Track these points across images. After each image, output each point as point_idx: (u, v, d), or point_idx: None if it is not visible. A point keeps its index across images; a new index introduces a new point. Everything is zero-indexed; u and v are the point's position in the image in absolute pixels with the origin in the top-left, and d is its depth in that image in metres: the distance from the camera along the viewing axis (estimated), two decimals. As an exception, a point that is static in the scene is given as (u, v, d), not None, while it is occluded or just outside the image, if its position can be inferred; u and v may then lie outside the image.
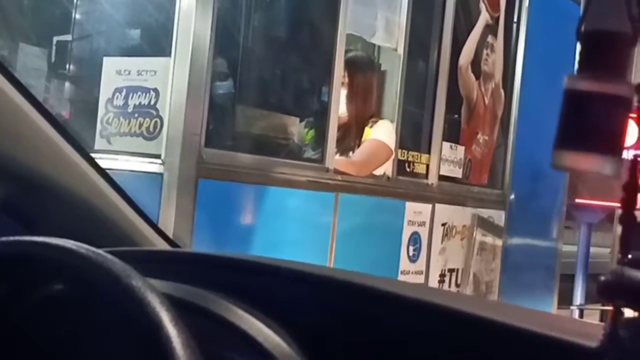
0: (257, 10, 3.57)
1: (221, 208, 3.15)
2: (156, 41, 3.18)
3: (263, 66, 3.66)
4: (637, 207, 0.51)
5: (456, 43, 4.35)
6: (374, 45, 4.18)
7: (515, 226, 4.98)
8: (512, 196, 4.90)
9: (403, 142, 4.02)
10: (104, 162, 2.76)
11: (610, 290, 0.52)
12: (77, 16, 3.51)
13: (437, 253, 4.27)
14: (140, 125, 3.02)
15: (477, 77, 4.55)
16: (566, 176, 5.52)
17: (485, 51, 4.60)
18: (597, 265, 7.37)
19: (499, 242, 4.84)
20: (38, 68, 3.50)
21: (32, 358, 0.84)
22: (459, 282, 4.49)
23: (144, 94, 3.03)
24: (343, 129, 3.77)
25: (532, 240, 5.38)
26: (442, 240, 4.30)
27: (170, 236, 1.28)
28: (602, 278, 0.52)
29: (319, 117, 3.69)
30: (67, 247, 0.76)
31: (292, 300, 0.86)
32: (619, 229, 0.52)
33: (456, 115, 4.47)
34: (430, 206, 4.19)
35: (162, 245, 1.23)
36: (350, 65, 3.83)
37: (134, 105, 3.05)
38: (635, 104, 0.51)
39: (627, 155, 0.56)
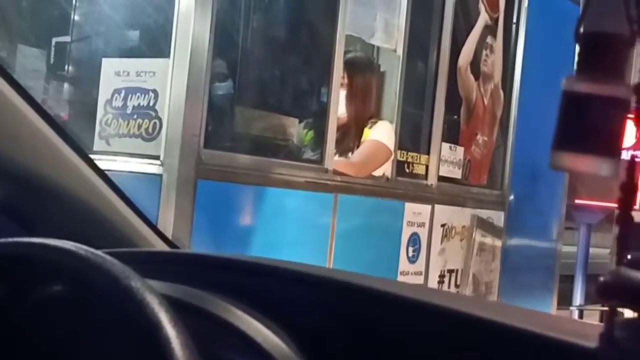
0: (256, 12, 3.57)
1: (220, 209, 3.16)
2: (155, 42, 3.18)
3: (262, 67, 3.66)
4: (635, 207, 0.51)
5: (455, 44, 4.35)
6: (373, 46, 4.18)
7: (514, 227, 4.98)
8: (512, 197, 4.91)
9: (402, 143, 4.02)
10: (103, 163, 2.75)
11: (609, 291, 0.53)
12: (76, 17, 3.51)
13: (437, 254, 4.27)
14: (139, 127, 3.02)
15: (477, 78, 4.56)
16: (566, 177, 5.52)
17: (484, 52, 4.60)
18: (596, 266, 7.37)
19: (498, 243, 4.84)
20: (37, 69, 3.51)
21: (31, 358, 0.84)
22: (458, 282, 4.49)
23: (143, 95, 3.03)
24: (342, 129, 3.77)
25: (532, 241, 5.38)
26: (442, 241, 4.30)
27: (169, 237, 1.28)
28: (601, 279, 0.53)
29: (318, 118, 3.69)
30: (66, 248, 0.76)
31: (291, 301, 0.87)
32: (616, 229, 0.52)
33: (455, 116, 4.47)
34: (429, 207, 4.19)
35: (161, 246, 1.23)
36: (350, 66, 3.83)
37: (133, 106, 3.05)
38: (633, 105, 0.51)
39: (627, 155, 0.56)
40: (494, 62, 4.69)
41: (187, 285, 0.87)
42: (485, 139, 4.69)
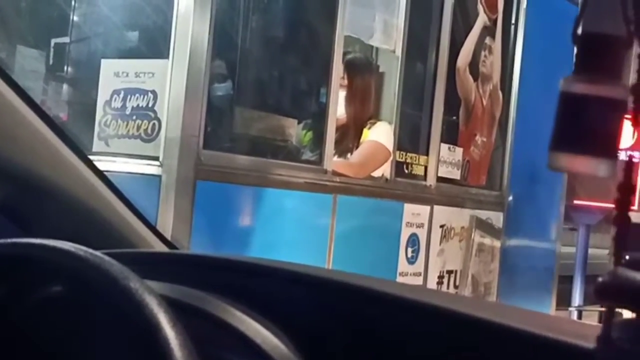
0: (255, 13, 3.58)
1: (219, 210, 3.16)
2: (154, 43, 3.18)
3: (261, 68, 3.67)
4: (632, 208, 0.51)
5: (454, 45, 4.35)
6: (372, 47, 4.18)
7: (513, 227, 4.98)
8: (511, 198, 4.91)
9: (401, 144, 4.02)
10: (102, 164, 2.74)
11: (607, 292, 0.53)
12: (75, 18, 3.51)
13: (436, 254, 4.27)
14: (138, 128, 3.02)
15: (475, 79, 4.56)
16: (564, 178, 5.52)
17: (483, 53, 4.60)
18: (595, 267, 7.38)
19: (497, 244, 4.84)
20: (36, 70, 3.50)
21: (31, 359, 0.84)
22: (457, 283, 4.49)
23: (142, 96, 3.03)
24: (341, 130, 3.77)
25: (531, 241, 5.38)
26: (441, 242, 4.30)
27: (168, 238, 1.28)
28: (600, 279, 0.53)
29: (317, 118, 3.69)
30: (65, 249, 0.76)
31: (291, 301, 0.87)
32: (613, 230, 0.52)
33: (454, 117, 4.47)
34: (428, 208, 4.19)
35: (160, 247, 1.23)
36: (350, 67, 3.83)
37: (132, 107, 3.05)
38: (630, 105, 0.51)
39: (625, 156, 0.56)
40: (492, 63, 4.69)
41: (186, 286, 0.87)
42: (484, 139, 4.69)
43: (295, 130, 3.66)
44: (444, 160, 4.32)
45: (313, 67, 3.86)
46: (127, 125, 3.05)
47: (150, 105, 3.01)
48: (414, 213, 4.09)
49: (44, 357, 0.83)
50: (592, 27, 0.54)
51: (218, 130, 3.32)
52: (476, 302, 2.50)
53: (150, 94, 3.02)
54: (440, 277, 4.34)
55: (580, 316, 7.13)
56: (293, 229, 3.43)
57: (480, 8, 4.53)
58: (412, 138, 4.22)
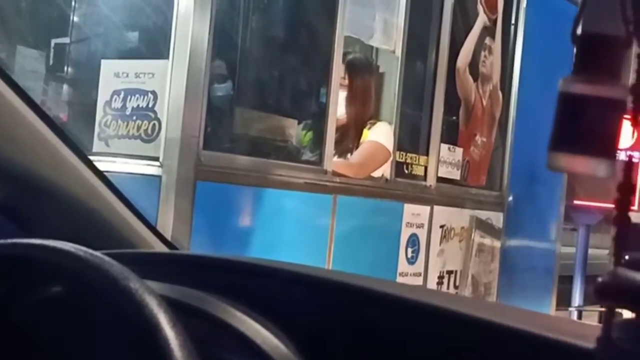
0: (255, 13, 3.58)
1: (219, 210, 3.16)
2: (154, 44, 3.18)
3: (261, 68, 3.67)
4: (632, 208, 0.51)
5: (454, 45, 4.35)
6: (372, 47, 4.18)
7: (513, 228, 4.98)
8: (510, 198, 4.91)
9: (401, 144, 4.02)
10: (102, 164, 2.75)
11: (607, 292, 0.53)
12: (75, 19, 3.51)
13: (436, 255, 4.27)
14: (139, 128, 3.02)
15: (475, 79, 4.56)
16: (564, 178, 5.52)
17: (483, 53, 4.60)
18: (595, 267, 7.37)
19: (497, 244, 4.84)
20: (36, 70, 3.51)
21: (31, 359, 0.84)
22: (457, 283, 4.49)
23: (142, 97, 3.03)
24: (341, 130, 3.77)
25: (531, 241, 5.38)
26: (441, 242, 4.30)
27: (168, 238, 1.28)
28: (599, 279, 0.53)
29: (317, 119, 3.69)
30: (65, 250, 0.76)
31: (290, 302, 0.87)
32: (613, 230, 0.52)
33: (454, 117, 4.47)
34: (428, 208, 4.19)
35: (160, 248, 1.24)
36: (351, 67, 3.83)
37: (132, 107, 3.05)
38: (629, 105, 0.51)
39: (625, 156, 0.56)
40: (492, 63, 4.69)
41: (186, 287, 0.87)
42: (484, 140, 4.69)
43: (295, 131, 3.66)
44: (444, 161, 4.32)
45: (313, 67, 3.86)
46: (127, 125, 3.05)
47: (150, 105, 3.01)
48: (414, 213, 4.09)
49: (44, 357, 0.84)
50: (592, 27, 0.54)
51: (218, 130, 3.32)
52: (476, 302, 2.50)
53: (150, 95, 3.02)
54: (440, 277, 4.34)
55: (580, 316, 7.13)
56: (293, 230, 3.43)
57: (480, 8, 4.53)
58: (412, 138, 4.23)
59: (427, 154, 4.22)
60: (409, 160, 4.12)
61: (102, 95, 3.13)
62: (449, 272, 4.41)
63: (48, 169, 1.13)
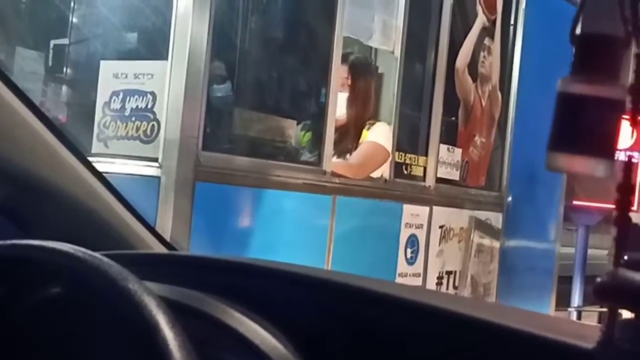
0: (254, 13, 3.58)
1: (218, 211, 3.16)
2: (153, 44, 3.18)
3: (260, 69, 3.67)
4: (632, 208, 0.51)
5: (453, 45, 4.35)
6: (371, 47, 4.18)
7: (512, 228, 4.98)
8: (510, 198, 4.91)
9: (400, 145, 4.02)
10: (101, 165, 2.76)
11: (606, 292, 0.53)
12: (74, 20, 3.51)
13: (435, 255, 4.27)
14: (138, 129, 3.02)
15: (474, 80, 4.56)
16: (564, 178, 5.52)
17: (482, 53, 4.60)
18: (595, 267, 7.37)
19: (496, 244, 4.84)
20: (35, 71, 3.50)
21: (31, 359, 0.84)
22: (456, 284, 4.49)
23: (141, 98, 3.03)
24: (340, 131, 3.77)
25: (530, 242, 5.38)
26: (440, 243, 4.30)
27: (168, 239, 1.28)
28: (599, 280, 0.53)
29: (316, 119, 3.69)
30: (64, 251, 0.76)
31: (289, 302, 0.87)
32: (613, 230, 0.52)
33: (453, 118, 4.47)
34: (427, 209, 4.19)
35: (159, 248, 1.24)
36: (354, 68, 3.84)
37: (131, 108, 3.05)
38: (628, 105, 0.51)
39: (625, 156, 0.56)
40: (491, 63, 4.69)
41: (185, 287, 0.87)
42: (483, 140, 4.70)
43: (294, 131, 3.66)
44: (443, 161, 4.33)
45: (312, 68, 3.87)
46: (126, 126, 3.05)
47: (149, 106, 3.01)
48: (413, 214, 4.09)
49: (44, 358, 0.84)
50: (590, 27, 0.54)
51: (217, 131, 3.32)
52: (475, 302, 2.50)
53: (149, 95, 3.02)
54: (440, 277, 4.34)
55: (579, 317, 7.12)
56: (292, 230, 3.43)
57: (479, 9, 4.53)
58: (411, 139, 4.23)
59: (426, 155, 4.22)
60: (408, 161, 4.12)
61: (101, 96, 3.13)
62: (448, 273, 4.41)
63: (47, 170, 1.13)
